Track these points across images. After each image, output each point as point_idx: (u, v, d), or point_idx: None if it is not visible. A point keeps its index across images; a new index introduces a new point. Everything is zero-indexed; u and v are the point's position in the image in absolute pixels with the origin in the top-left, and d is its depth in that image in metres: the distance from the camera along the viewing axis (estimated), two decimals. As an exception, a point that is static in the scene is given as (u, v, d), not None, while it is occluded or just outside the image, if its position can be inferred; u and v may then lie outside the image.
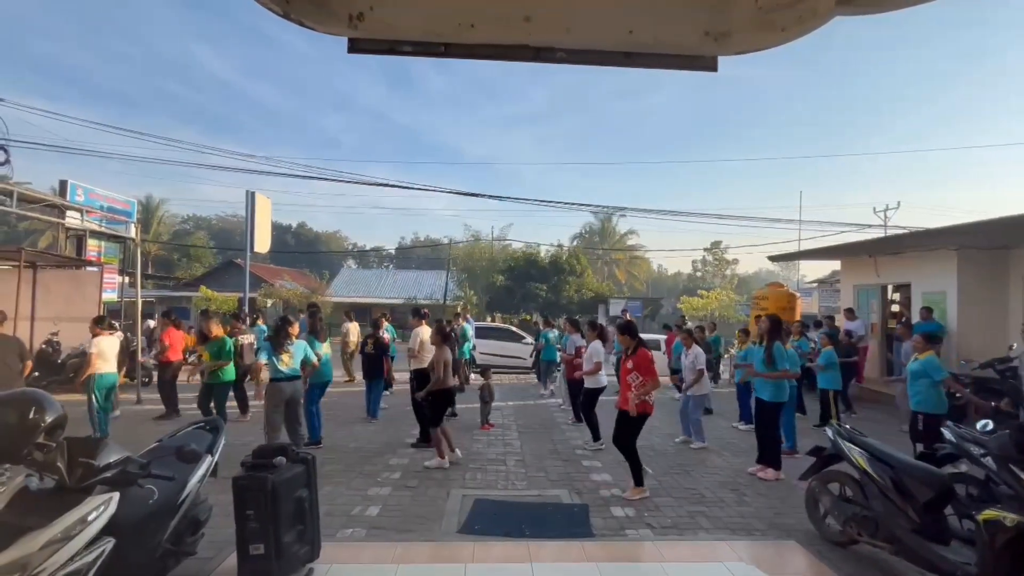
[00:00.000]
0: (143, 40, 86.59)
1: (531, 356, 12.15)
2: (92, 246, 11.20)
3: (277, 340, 5.33)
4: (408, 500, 4.53)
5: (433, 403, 5.52)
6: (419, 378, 6.36)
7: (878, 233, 21.32)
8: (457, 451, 5.69)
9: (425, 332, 6.68)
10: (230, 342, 6.80)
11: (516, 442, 6.58)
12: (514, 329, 16.37)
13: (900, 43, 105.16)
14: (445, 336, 5.76)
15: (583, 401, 6.70)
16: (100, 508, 2.10)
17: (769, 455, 5.30)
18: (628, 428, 4.75)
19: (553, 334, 10.25)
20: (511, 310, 27.42)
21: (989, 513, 2.77)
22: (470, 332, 11.30)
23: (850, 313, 10.42)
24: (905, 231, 14.24)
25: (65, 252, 10.74)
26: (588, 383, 6.54)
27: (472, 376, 10.98)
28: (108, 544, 2.14)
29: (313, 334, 6.69)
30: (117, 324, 8.44)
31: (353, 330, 10.81)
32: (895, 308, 10.91)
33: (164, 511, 2.53)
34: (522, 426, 7.47)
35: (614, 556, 3.54)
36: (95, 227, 10.70)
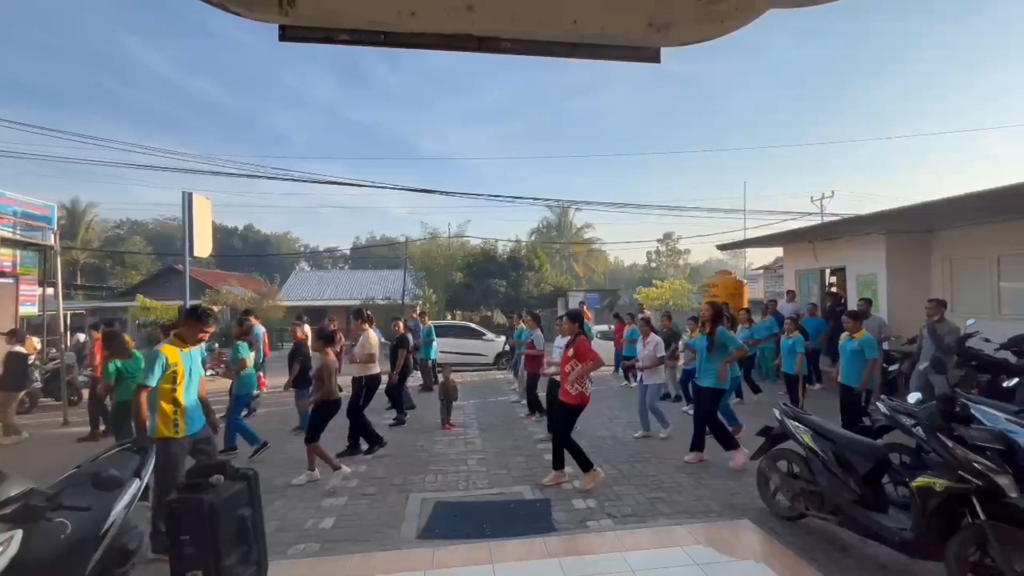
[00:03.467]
0: (67, 32, 79.58)
1: (508, 352, 12.41)
2: (5, 255, 10.17)
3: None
4: (365, 508, 4.36)
5: (316, 414, 5.02)
6: (368, 385, 6.14)
7: (816, 220, 22.59)
8: (344, 468, 5.00)
9: (374, 337, 6.40)
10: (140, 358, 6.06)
11: (478, 440, 6.50)
12: (474, 326, 16.25)
13: (835, 36, 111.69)
14: (329, 340, 5.25)
15: (549, 391, 6.61)
16: (-2, 549, 1.87)
17: (723, 439, 5.33)
18: (565, 419, 4.78)
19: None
20: (471, 307, 27.24)
21: (921, 480, 2.94)
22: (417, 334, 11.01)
23: (791, 295, 10.96)
24: (839, 218, 15.13)
25: (-27, 263, 9.71)
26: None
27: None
28: (12, 588, 1.91)
29: (241, 339, 6.51)
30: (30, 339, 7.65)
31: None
32: (833, 290, 11.57)
33: (82, 545, 2.28)
34: (484, 424, 7.40)
35: (576, 550, 3.54)
36: (7, 235, 9.72)
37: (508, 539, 3.67)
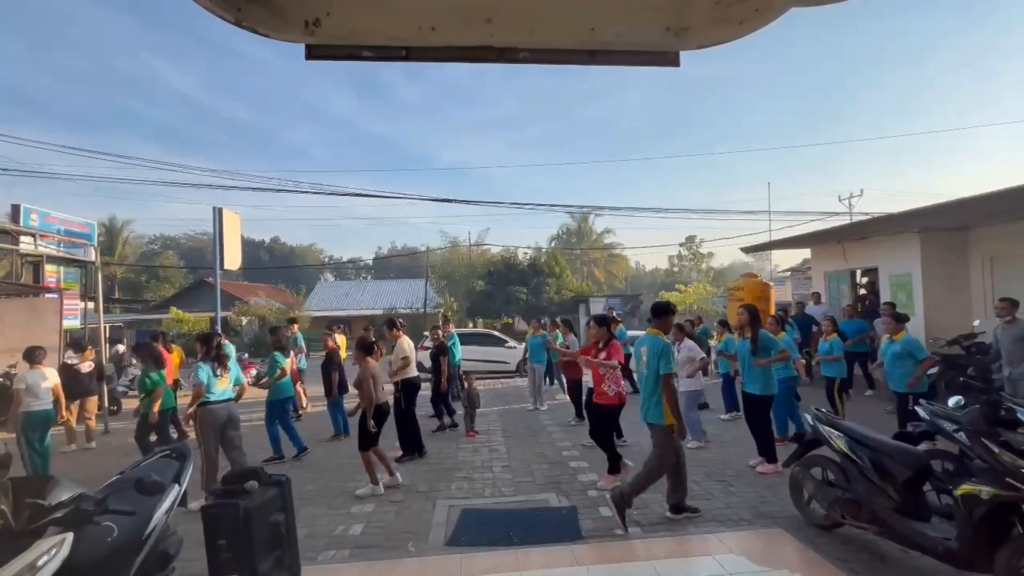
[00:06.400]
0: (98, 57, 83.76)
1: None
2: (50, 272, 10.68)
3: (218, 357, 4.89)
4: (393, 515, 4.41)
5: (364, 423, 4.98)
6: (406, 388, 6.24)
7: (844, 220, 21.97)
8: (398, 475, 5.14)
9: (407, 342, 6.51)
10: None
11: (502, 448, 6.50)
12: (497, 334, 16.30)
13: (857, 33, 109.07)
14: (368, 350, 5.25)
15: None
16: (52, 551, 1.96)
17: (765, 448, 5.18)
18: (609, 420, 4.95)
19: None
20: (492, 315, 27.31)
21: (965, 488, 2.81)
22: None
23: (817, 297, 10.65)
24: (869, 217, 14.69)
25: (22, 279, 10.25)
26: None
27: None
28: (63, 589, 2.00)
29: (278, 349, 6.61)
30: (78, 349, 7.94)
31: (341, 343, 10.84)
32: (862, 292, 11.22)
33: (127, 548, 2.38)
34: (508, 431, 7.39)
35: (604, 558, 3.50)
36: (52, 252, 10.23)
37: (535, 547, 3.66)
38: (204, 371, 4.79)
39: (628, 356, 9.92)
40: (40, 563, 1.92)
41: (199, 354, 4.97)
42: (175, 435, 7.03)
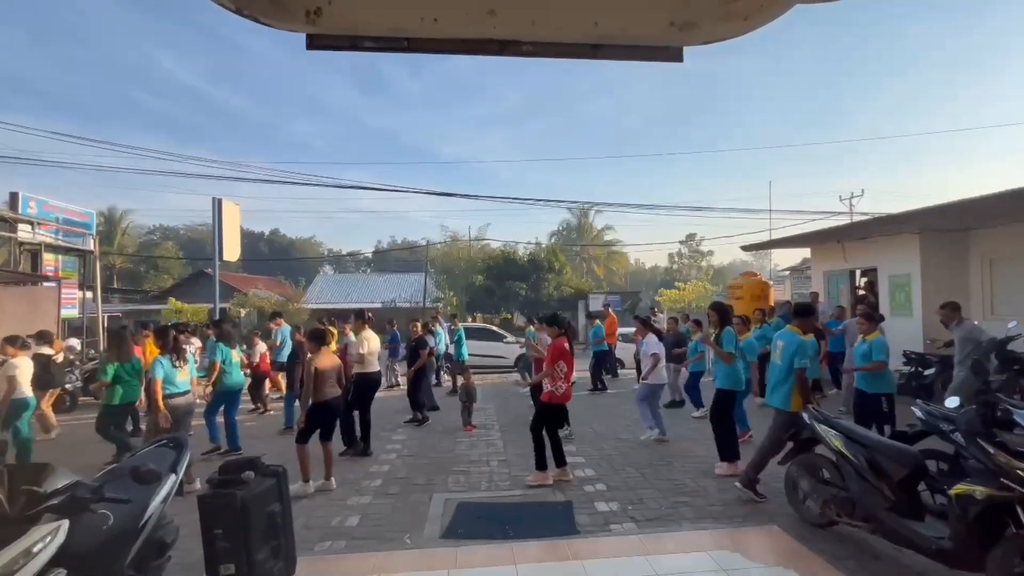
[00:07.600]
0: (101, 48, 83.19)
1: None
2: (49, 260, 10.67)
3: (176, 350, 4.95)
4: (389, 508, 4.42)
5: (307, 417, 4.73)
6: (366, 384, 6.19)
7: (845, 220, 21.96)
8: (333, 480, 4.89)
9: (370, 337, 6.35)
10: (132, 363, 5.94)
11: (499, 442, 6.52)
12: (495, 328, 16.33)
13: (857, 32, 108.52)
14: (320, 340, 4.99)
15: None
16: (47, 538, 1.96)
17: (725, 447, 5.09)
18: (546, 417, 4.98)
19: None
20: (491, 310, 27.32)
21: (960, 488, 2.83)
22: (444, 337, 11.15)
23: (815, 297, 10.65)
24: (870, 217, 14.68)
25: (20, 268, 10.24)
26: None
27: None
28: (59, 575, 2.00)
29: (222, 341, 6.47)
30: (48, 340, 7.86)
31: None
32: (860, 292, 11.23)
33: (123, 536, 2.38)
34: (505, 425, 7.41)
35: (599, 552, 3.51)
36: (50, 240, 10.22)
37: (531, 540, 3.68)
38: (162, 366, 4.81)
39: (606, 351, 10.16)
40: (35, 549, 1.92)
41: (158, 347, 5.04)
42: (131, 428, 7.02)
